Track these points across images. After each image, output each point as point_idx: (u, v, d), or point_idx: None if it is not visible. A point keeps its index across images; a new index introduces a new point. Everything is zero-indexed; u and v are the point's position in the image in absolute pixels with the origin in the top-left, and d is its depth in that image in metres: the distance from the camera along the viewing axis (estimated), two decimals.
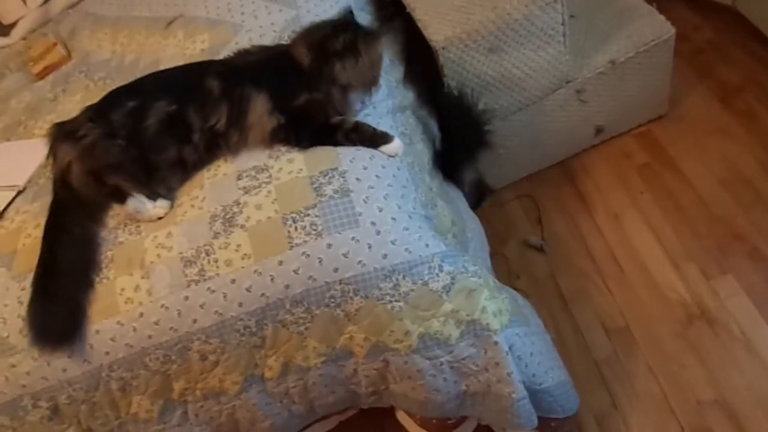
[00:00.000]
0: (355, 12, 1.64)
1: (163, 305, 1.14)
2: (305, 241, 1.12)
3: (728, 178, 1.86)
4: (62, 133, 1.24)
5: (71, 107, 1.63)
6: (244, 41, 1.51)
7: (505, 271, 1.92)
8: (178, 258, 1.16)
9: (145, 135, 1.21)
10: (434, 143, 1.65)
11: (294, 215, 1.15)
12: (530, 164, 2.05)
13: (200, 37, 1.57)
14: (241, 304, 1.13)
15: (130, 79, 1.59)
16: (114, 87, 1.63)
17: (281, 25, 1.53)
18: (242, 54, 1.31)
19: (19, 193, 1.46)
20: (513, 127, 1.83)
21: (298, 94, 1.24)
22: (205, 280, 1.14)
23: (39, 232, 1.24)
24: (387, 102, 1.41)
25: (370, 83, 1.31)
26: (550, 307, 1.82)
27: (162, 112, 1.22)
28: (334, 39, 1.25)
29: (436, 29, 1.57)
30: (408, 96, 1.62)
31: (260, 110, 1.23)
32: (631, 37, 1.79)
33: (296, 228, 1.13)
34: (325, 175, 1.19)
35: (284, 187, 1.19)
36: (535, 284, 1.88)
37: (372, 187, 1.18)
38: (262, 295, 1.13)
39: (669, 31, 1.77)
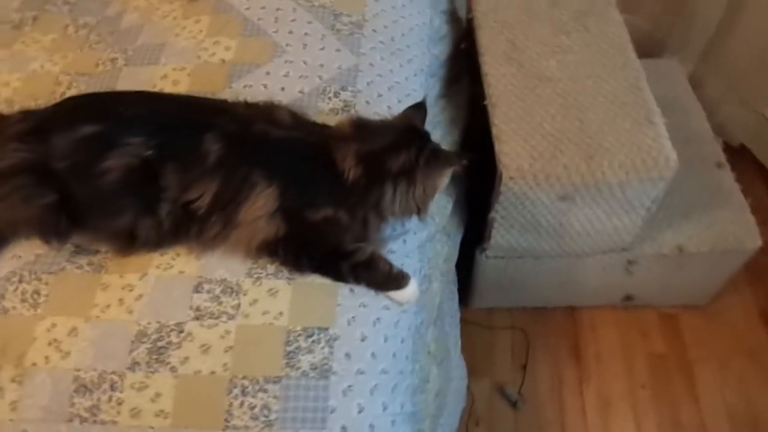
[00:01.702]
0: (425, 78, 1.31)
1: (24, 431, 0.81)
2: (248, 428, 0.81)
3: (739, 416, 1.63)
4: None
5: (33, 53, 1.23)
6: (278, 74, 1.14)
7: (467, 409, 1.66)
8: (71, 374, 0.83)
9: (98, 183, 0.85)
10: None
11: (246, 383, 0.82)
12: (540, 299, 1.77)
13: (227, 41, 1.18)
14: None
15: (118, 49, 1.21)
16: (98, 47, 1.26)
17: (332, 72, 1.16)
18: (268, 116, 0.94)
19: None
20: (541, 266, 1.54)
21: (319, 206, 0.90)
22: (95, 422, 0.81)
23: None
24: (421, 234, 1.09)
25: (412, 213, 0.98)
26: None
27: (133, 155, 0.86)
28: (394, 155, 0.91)
29: (511, 151, 1.24)
30: (445, 210, 1.30)
31: (261, 208, 0.88)
32: (711, 229, 1.51)
33: (242, 404, 0.81)
34: (308, 335, 0.87)
35: (250, 332, 0.86)
36: None
37: (362, 373, 0.87)
38: None
39: (755, 243, 1.50)
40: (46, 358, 0.84)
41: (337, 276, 0.92)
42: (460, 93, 1.56)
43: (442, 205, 1.28)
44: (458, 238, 1.47)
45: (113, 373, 0.83)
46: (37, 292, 0.89)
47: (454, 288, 1.51)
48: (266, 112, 0.95)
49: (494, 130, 1.29)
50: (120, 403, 0.81)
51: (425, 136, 0.98)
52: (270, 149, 0.91)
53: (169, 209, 0.88)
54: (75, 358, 0.84)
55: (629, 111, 1.29)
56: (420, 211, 0.97)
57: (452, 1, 1.63)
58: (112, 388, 0.82)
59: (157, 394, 0.81)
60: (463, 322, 1.76)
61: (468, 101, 1.59)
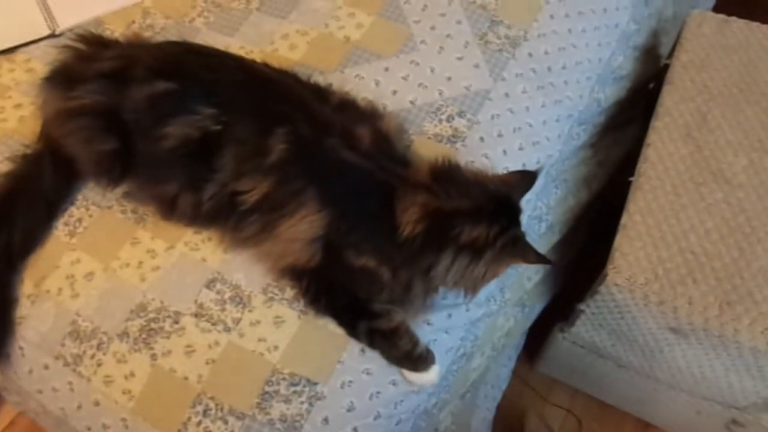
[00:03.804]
0: (570, 126, 1.08)
1: (20, 347, 0.85)
2: None
3: None
4: (59, 77, 0.86)
5: None
6: (397, 73, 1.00)
7: None
8: (72, 316, 0.84)
9: (155, 146, 0.81)
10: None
11: (211, 404, 0.77)
12: (612, 399, 1.52)
13: (362, 16, 1.04)
14: (88, 428, 0.82)
15: None
16: None
17: (457, 90, 0.98)
18: (347, 131, 0.82)
19: (53, 36, 1.11)
20: (623, 375, 1.29)
21: (362, 252, 0.78)
22: (73, 371, 0.82)
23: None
24: (475, 311, 0.93)
25: (462, 290, 0.82)
26: None
27: (197, 126, 0.80)
28: (468, 224, 0.75)
29: (631, 253, 0.98)
30: (527, 283, 1.11)
31: (302, 231, 0.78)
32: None
33: (200, 423, 0.76)
34: (293, 383, 0.78)
35: (237, 354, 0.79)
36: None
37: None
38: None
39: None
40: (60, 290, 0.85)
41: (352, 332, 0.81)
42: (614, 146, 1.29)
43: (526, 276, 1.09)
44: (538, 308, 1.27)
45: (104, 333, 0.82)
46: (80, 220, 0.90)
47: (514, 355, 1.34)
48: (350, 124, 0.83)
49: (624, 218, 1.04)
50: (99, 364, 0.81)
51: (516, 216, 0.80)
52: (333, 172, 0.79)
53: (214, 192, 0.82)
54: (81, 302, 0.84)
55: None
56: (469, 292, 0.81)
57: (655, 36, 1.32)
58: (99, 347, 0.82)
59: (132, 374, 0.80)
60: (520, 380, 1.59)
61: (621, 157, 1.32)
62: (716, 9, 1.69)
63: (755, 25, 1.23)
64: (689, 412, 1.29)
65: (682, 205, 1.04)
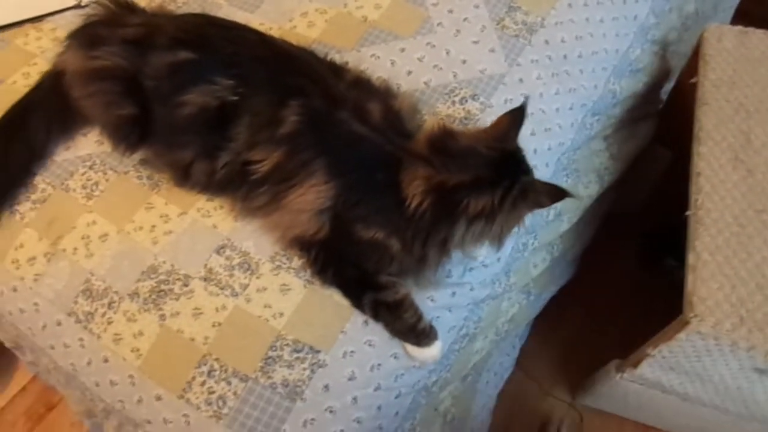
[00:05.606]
0: (584, 116, 1.08)
1: (35, 303, 0.88)
2: (198, 408, 0.78)
3: None
4: (84, 36, 0.88)
5: None
6: (413, 54, 1.01)
7: None
8: (85, 275, 0.86)
9: (173, 113, 0.83)
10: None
11: (216, 366, 0.79)
12: (669, 426, 1.39)
13: None
14: (97, 384, 0.85)
15: None
16: None
17: (472, 73, 0.99)
18: (359, 105, 0.83)
19: (79, 6, 1.14)
20: (685, 408, 1.19)
21: (371, 224, 0.79)
22: (85, 328, 0.84)
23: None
24: (479, 292, 0.94)
25: (486, 245, 0.83)
26: None
27: (215, 95, 0.82)
28: (473, 196, 0.76)
29: (710, 296, 0.90)
30: (534, 269, 1.11)
31: (309, 202, 0.80)
32: None
33: (204, 383, 0.79)
34: (296, 350, 0.80)
35: (243, 319, 0.81)
36: None
37: (332, 412, 0.79)
38: (120, 401, 0.83)
39: None
40: (75, 249, 0.88)
41: (357, 304, 0.83)
42: (628, 140, 1.29)
43: (532, 263, 1.10)
44: (544, 298, 1.27)
45: (116, 292, 0.84)
46: (97, 184, 0.92)
47: (518, 344, 1.34)
48: (362, 100, 0.84)
49: (691, 257, 0.95)
50: (110, 322, 0.83)
51: (518, 165, 0.80)
52: (343, 144, 0.81)
53: (228, 161, 0.84)
54: (95, 261, 0.86)
55: None
56: (495, 244, 0.82)
57: (675, 32, 1.31)
58: (110, 305, 0.84)
59: (140, 333, 0.82)
60: (523, 371, 1.58)
61: (634, 152, 1.32)
62: (737, 14, 1.65)
63: None
64: None
65: (749, 236, 0.95)
